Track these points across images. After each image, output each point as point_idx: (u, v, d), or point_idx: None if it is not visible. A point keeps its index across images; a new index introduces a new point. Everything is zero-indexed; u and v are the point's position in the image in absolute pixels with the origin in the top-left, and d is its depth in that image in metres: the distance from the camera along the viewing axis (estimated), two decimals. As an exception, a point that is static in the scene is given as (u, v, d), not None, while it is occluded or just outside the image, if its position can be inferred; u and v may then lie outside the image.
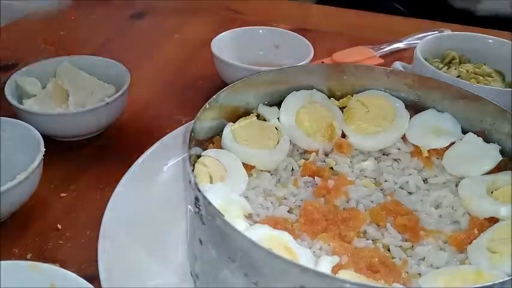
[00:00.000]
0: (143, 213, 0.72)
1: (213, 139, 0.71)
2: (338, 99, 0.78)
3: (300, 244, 0.60)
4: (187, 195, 0.61)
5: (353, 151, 0.75)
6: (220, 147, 0.70)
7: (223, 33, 1.08)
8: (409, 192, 0.71)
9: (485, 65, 1.01)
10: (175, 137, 0.83)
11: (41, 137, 0.75)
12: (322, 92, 0.78)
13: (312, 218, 0.64)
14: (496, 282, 0.49)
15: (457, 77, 0.96)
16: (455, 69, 1.00)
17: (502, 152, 0.69)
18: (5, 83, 0.88)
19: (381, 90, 0.77)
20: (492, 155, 0.69)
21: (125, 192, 0.73)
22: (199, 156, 0.66)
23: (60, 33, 1.28)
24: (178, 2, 1.48)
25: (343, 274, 0.52)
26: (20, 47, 1.19)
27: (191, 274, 0.64)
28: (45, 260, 0.68)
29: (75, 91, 0.89)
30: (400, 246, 0.63)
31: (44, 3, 1.34)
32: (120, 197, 0.72)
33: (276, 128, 0.73)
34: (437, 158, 0.72)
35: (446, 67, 1.02)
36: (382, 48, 1.21)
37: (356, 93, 0.78)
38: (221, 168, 0.66)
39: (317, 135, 0.74)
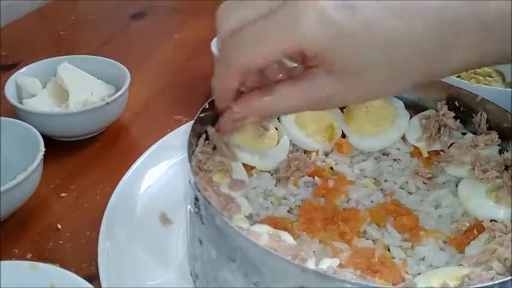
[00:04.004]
0: (143, 213, 0.72)
1: (213, 139, 0.71)
2: (338, 99, 0.78)
3: (300, 244, 0.60)
4: (187, 195, 0.61)
5: (353, 151, 0.75)
6: (220, 147, 0.70)
7: (223, 33, 1.08)
8: (409, 192, 0.71)
9: (485, 65, 1.01)
10: (175, 137, 0.83)
11: (41, 137, 0.75)
12: (322, 92, 0.77)
13: (311, 217, 0.64)
14: (496, 282, 0.49)
15: (457, 77, 0.96)
16: (455, 69, 1.00)
17: (500, 152, 0.68)
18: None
19: (380, 90, 0.77)
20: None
21: (125, 192, 0.73)
22: (199, 156, 0.66)
23: (60, 33, 1.28)
24: (178, 2, 1.48)
25: (343, 274, 0.52)
26: (20, 47, 1.20)
27: (191, 274, 0.64)
28: (45, 260, 0.68)
29: (75, 91, 0.89)
30: (400, 246, 0.63)
31: None
32: (120, 197, 0.72)
33: (276, 128, 0.73)
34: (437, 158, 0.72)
35: (446, 67, 1.01)
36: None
37: (356, 93, 0.78)
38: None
39: (317, 135, 0.74)
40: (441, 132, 0.71)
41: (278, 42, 0.47)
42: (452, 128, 0.72)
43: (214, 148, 0.67)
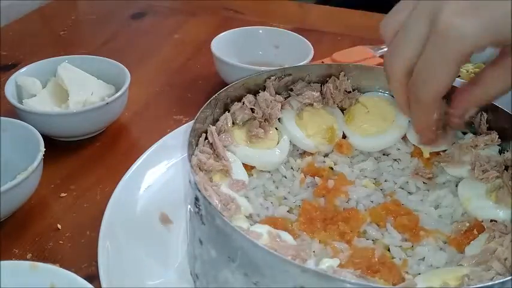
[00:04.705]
0: (143, 213, 0.72)
1: (213, 139, 0.71)
2: (338, 100, 0.78)
3: (300, 244, 0.60)
4: (187, 195, 0.61)
5: (353, 151, 0.75)
6: (220, 147, 0.70)
7: (223, 33, 1.08)
8: (409, 192, 0.71)
9: (485, 65, 1.01)
10: (175, 137, 0.83)
11: (41, 137, 0.75)
12: (322, 92, 0.78)
13: (311, 217, 0.64)
14: (496, 282, 0.50)
15: (457, 77, 0.96)
16: (455, 69, 1.00)
17: (500, 152, 0.68)
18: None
19: (380, 91, 0.77)
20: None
21: (125, 192, 0.73)
22: (199, 156, 0.66)
23: (60, 33, 1.28)
24: (178, 2, 1.48)
25: (343, 274, 0.52)
26: (20, 47, 1.20)
27: (191, 274, 0.64)
28: (45, 260, 0.68)
29: (75, 91, 0.89)
30: (400, 246, 0.63)
31: None
32: (120, 197, 0.72)
33: (276, 128, 0.73)
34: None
35: (446, 67, 1.01)
36: (382, 48, 1.21)
37: (356, 94, 0.78)
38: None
39: (317, 136, 0.74)
40: (447, 131, 0.71)
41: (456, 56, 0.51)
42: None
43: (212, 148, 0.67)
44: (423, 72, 0.55)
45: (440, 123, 0.63)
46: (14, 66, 1.08)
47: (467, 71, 0.98)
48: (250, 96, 0.72)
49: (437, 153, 0.72)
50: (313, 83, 0.76)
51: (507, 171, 0.64)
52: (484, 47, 0.51)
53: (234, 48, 1.07)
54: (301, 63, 0.97)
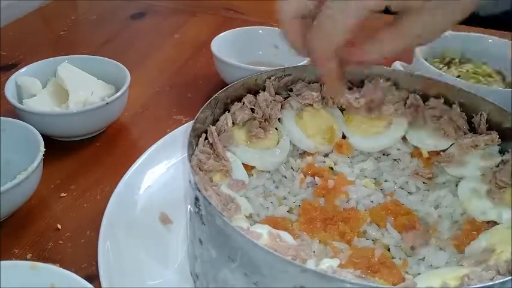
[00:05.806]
0: (143, 213, 0.72)
1: (213, 139, 0.71)
2: (338, 100, 0.78)
3: (300, 244, 0.60)
4: (187, 195, 0.61)
5: (353, 151, 0.75)
6: (220, 147, 0.70)
7: (223, 33, 1.08)
8: (409, 192, 0.71)
9: (485, 65, 1.01)
10: (175, 137, 0.83)
11: (41, 137, 0.76)
12: (322, 92, 0.78)
13: (311, 217, 0.64)
14: (496, 282, 0.49)
15: (457, 77, 0.96)
16: (455, 69, 1.00)
17: (500, 152, 0.68)
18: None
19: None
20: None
21: (125, 192, 0.73)
22: (199, 156, 0.66)
23: (60, 33, 1.28)
24: (178, 2, 1.48)
25: (343, 274, 0.52)
26: (20, 47, 1.20)
27: (191, 274, 0.64)
28: (45, 260, 0.68)
29: (75, 91, 0.89)
30: (400, 246, 0.63)
31: None
32: (120, 197, 0.72)
33: (276, 128, 0.73)
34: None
35: (446, 67, 1.02)
36: (382, 48, 1.21)
37: (356, 94, 0.78)
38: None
39: (317, 137, 0.74)
40: (455, 131, 0.71)
41: None
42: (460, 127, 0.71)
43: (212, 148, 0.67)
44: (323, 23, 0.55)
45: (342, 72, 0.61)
46: (14, 66, 1.08)
47: (467, 71, 0.98)
48: (250, 96, 0.72)
49: (437, 153, 0.72)
50: (313, 83, 0.76)
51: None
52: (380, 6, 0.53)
53: (234, 48, 1.07)
54: (301, 63, 0.97)
